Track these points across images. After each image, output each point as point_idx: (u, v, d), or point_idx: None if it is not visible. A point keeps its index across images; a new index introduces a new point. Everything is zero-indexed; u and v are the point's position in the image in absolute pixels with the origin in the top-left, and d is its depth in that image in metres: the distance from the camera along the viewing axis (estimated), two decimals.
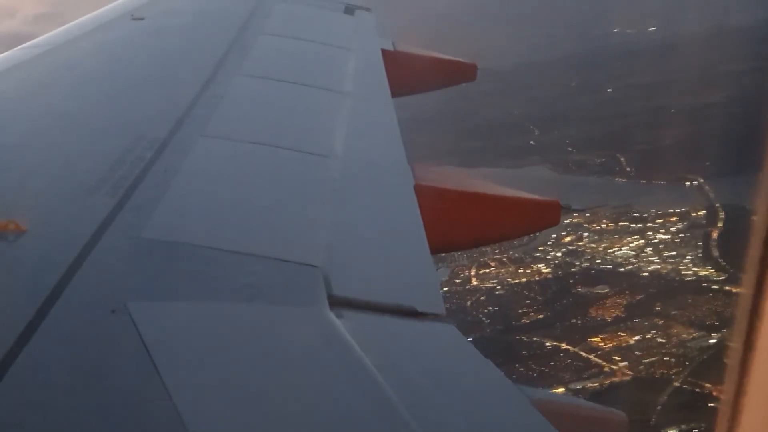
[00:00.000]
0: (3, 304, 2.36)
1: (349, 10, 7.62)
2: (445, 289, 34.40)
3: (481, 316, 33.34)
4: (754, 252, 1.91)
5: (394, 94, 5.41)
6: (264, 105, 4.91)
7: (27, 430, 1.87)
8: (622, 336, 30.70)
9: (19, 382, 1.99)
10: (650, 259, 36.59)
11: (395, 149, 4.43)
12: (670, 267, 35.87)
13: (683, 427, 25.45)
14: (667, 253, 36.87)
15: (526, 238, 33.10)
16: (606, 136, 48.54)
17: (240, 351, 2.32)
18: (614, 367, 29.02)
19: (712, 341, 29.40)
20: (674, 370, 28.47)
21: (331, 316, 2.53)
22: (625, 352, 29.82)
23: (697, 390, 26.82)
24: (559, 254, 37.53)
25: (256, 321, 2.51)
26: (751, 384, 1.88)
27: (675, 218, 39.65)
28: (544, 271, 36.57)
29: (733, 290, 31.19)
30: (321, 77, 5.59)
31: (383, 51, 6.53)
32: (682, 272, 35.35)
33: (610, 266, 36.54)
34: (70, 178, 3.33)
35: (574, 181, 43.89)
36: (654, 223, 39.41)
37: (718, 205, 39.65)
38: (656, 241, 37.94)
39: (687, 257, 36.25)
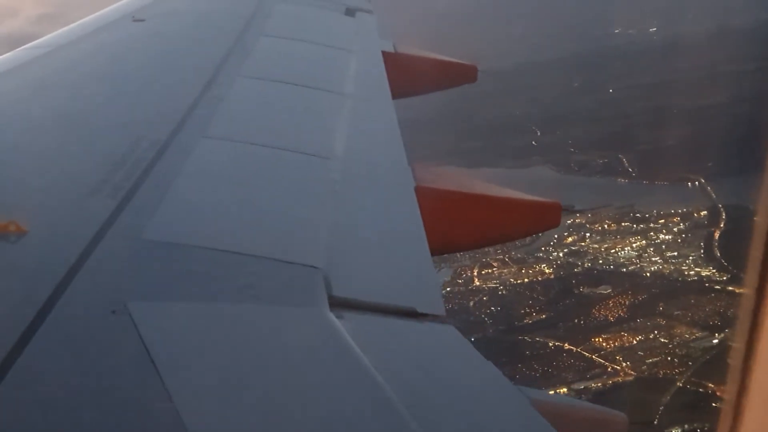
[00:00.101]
0: (4, 305, 2.36)
1: (350, 12, 7.62)
2: (448, 289, 34.44)
3: (483, 316, 33.39)
4: (756, 252, 1.91)
5: (394, 96, 5.41)
6: (265, 106, 4.91)
7: (28, 430, 1.87)
8: (625, 336, 30.71)
9: (20, 382, 2.00)
10: (652, 259, 36.61)
11: (396, 150, 4.43)
12: (672, 267, 35.88)
13: (686, 427, 25.45)
14: (669, 254, 36.88)
15: (528, 239, 33.08)
16: (608, 137, 48.55)
17: (240, 352, 2.32)
18: (617, 368, 29.02)
19: (715, 341, 29.43)
20: (677, 370, 28.49)
21: (331, 316, 2.53)
22: (627, 352, 29.82)
23: (700, 390, 26.83)
24: (561, 255, 37.56)
25: (256, 322, 2.51)
26: (754, 384, 1.88)
27: (677, 218, 39.66)
28: (547, 271, 36.59)
29: (736, 290, 31.18)
30: (322, 79, 5.59)
31: (384, 53, 6.53)
32: (685, 272, 35.36)
33: (612, 266, 36.57)
34: (71, 179, 3.33)
35: (576, 182, 43.93)
36: (656, 223, 39.41)
37: (720, 205, 39.66)
38: (658, 241, 37.95)
39: (689, 257, 36.26)
